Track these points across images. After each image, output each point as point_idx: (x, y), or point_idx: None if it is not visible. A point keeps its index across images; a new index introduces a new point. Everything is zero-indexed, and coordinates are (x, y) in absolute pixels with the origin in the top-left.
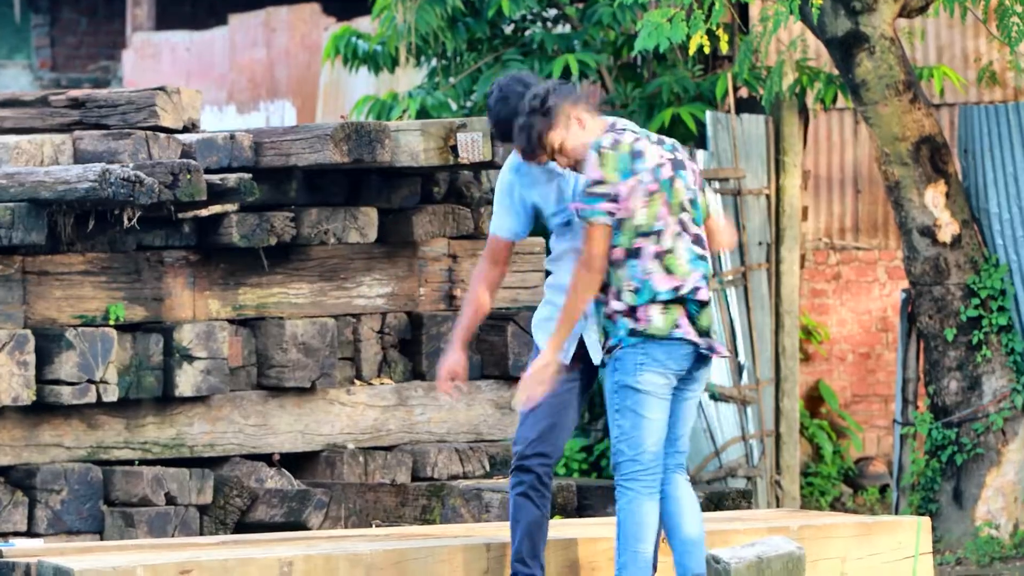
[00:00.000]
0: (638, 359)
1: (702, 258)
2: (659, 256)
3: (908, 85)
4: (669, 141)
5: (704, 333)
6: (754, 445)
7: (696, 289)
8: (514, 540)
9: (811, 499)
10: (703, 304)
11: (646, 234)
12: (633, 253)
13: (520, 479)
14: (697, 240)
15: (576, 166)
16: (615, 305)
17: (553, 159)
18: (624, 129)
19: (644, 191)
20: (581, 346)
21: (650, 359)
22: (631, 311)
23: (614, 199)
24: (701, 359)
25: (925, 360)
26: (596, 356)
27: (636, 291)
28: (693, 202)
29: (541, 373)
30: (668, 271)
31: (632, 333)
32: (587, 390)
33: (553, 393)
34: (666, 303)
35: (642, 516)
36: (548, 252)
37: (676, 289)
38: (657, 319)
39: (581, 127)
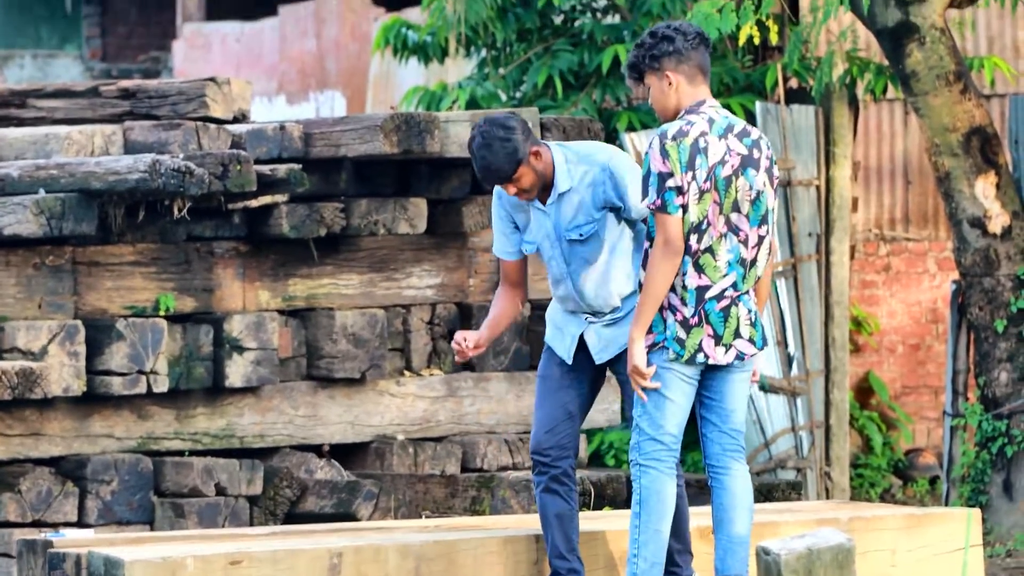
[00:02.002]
0: (667, 356)
1: (743, 262)
2: (694, 253)
3: (958, 76)
4: (754, 136)
5: (729, 342)
6: (804, 436)
7: (721, 296)
8: (548, 538)
9: (861, 491)
10: (725, 311)
11: (691, 231)
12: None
13: (541, 476)
14: (745, 241)
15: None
16: (670, 298)
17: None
18: (695, 119)
19: (697, 188)
20: (582, 346)
21: (674, 370)
22: (684, 322)
23: (681, 192)
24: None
25: (975, 351)
26: (598, 356)
27: (682, 285)
28: (755, 202)
29: (637, 369)
30: (698, 270)
31: (680, 344)
32: (596, 384)
33: (559, 387)
34: (688, 324)
35: (665, 495)
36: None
37: (702, 289)
38: (678, 341)
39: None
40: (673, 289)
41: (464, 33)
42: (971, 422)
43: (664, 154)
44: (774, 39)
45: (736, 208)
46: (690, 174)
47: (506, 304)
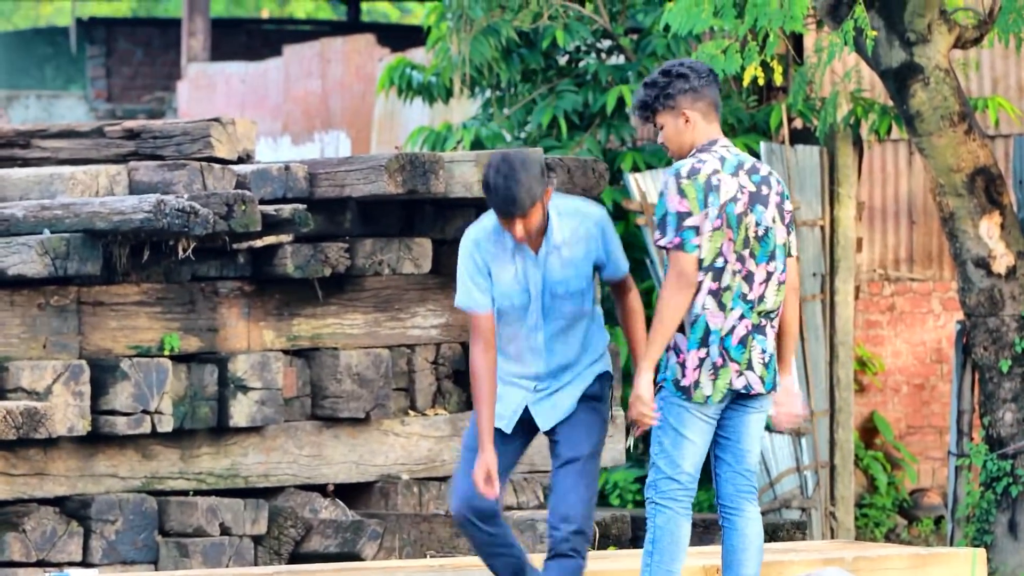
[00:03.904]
0: (681, 403)
1: (744, 297)
2: (715, 293)
3: (963, 116)
4: (762, 173)
5: (742, 371)
6: (808, 476)
7: (733, 330)
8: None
9: (866, 530)
10: (742, 342)
11: (705, 269)
12: None
13: (476, 539)
14: (748, 278)
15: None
16: (676, 338)
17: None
18: (707, 157)
19: (709, 227)
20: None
21: (692, 411)
22: (682, 364)
23: (698, 231)
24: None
25: (980, 391)
26: (544, 424)
27: (691, 325)
28: (762, 239)
29: (643, 400)
30: (721, 307)
31: (676, 386)
32: (525, 447)
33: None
34: (715, 367)
35: (680, 536)
36: None
37: (731, 330)
38: (706, 386)
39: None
40: (681, 329)
41: (469, 74)
42: (976, 462)
43: (681, 193)
44: (778, 80)
45: (746, 245)
46: (704, 212)
47: (494, 374)
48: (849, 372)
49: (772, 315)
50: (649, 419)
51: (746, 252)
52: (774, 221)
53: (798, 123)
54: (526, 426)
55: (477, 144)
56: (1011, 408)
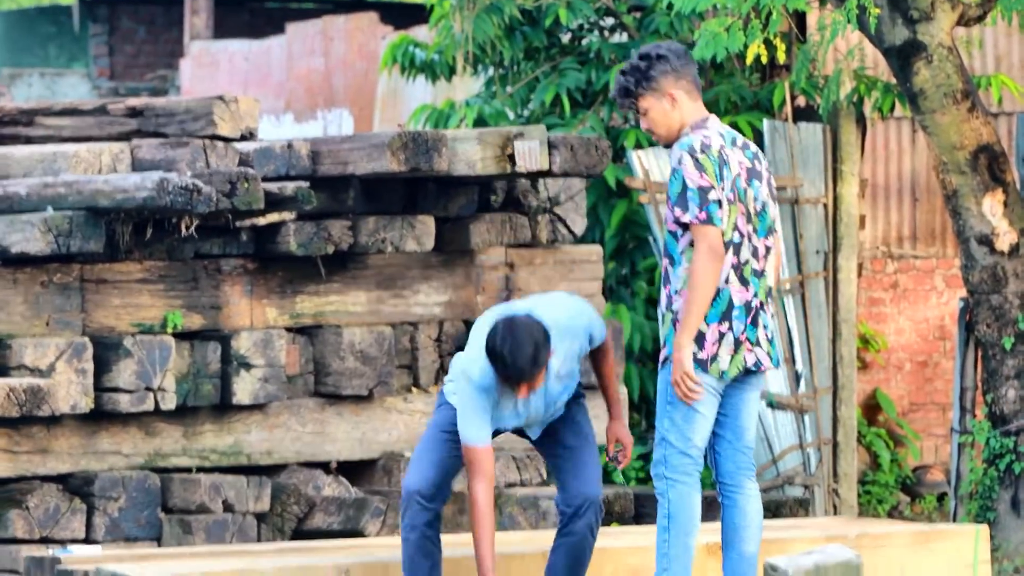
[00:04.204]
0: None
1: (756, 273)
2: (736, 268)
3: (966, 94)
4: (752, 148)
5: (754, 347)
6: (811, 453)
7: (748, 306)
8: None
9: (869, 507)
10: (755, 321)
11: (726, 244)
12: None
13: (417, 518)
14: (755, 253)
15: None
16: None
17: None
18: (709, 133)
19: (725, 200)
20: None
21: (705, 384)
22: (698, 336)
23: (721, 204)
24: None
25: (983, 369)
26: (534, 435)
27: (714, 298)
28: (760, 214)
29: (689, 376)
30: (743, 283)
31: (692, 358)
32: None
33: (453, 441)
34: (737, 342)
35: (695, 509)
36: (609, 258)
37: (747, 304)
38: (724, 359)
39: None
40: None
41: (472, 51)
42: (979, 439)
43: (700, 167)
44: (781, 57)
45: (749, 220)
46: (721, 186)
47: (492, 510)
48: (852, 349)
49: (771, 290)
50: (696, 394)
51: (749, 227)
52: (768, 196)
53: (801, 101)
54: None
55: (480, 122)
56: (1014, 385)
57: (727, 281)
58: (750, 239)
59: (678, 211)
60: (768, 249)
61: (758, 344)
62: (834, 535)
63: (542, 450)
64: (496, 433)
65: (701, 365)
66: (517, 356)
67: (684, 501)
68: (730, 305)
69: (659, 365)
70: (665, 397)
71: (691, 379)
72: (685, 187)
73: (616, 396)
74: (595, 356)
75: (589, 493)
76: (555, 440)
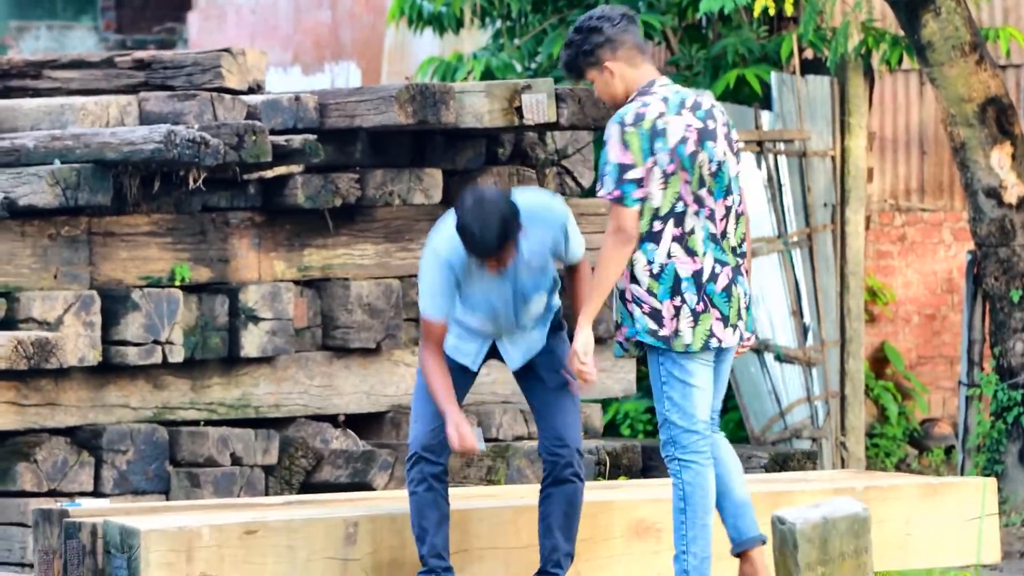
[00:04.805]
0: (671, 358)
1: (713, 237)
2: (679, 239)
3: (974, 46)
4: (705, 107)
5: (736, 323)
6: (819, 406)
7: (715, 276)
8: (424, 535)
9: (876, 460)
10: (726, 290)
11: (664, 217)
12: (651, 236)
13: (423, 473)
14: (711, 216)
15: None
16: (634, 291)
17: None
18: (650, 100)
19: (661, 173)
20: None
21: (679, 362)
22: (654, 313)
23: (641, 183)
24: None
25: (991, 321)
26: (512, 362)
27: (656, 276)
28: (716, 174)
29: (581, 356)
30: (690, 253)
31: (655, 336)
32: (471, 385)
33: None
34: (695, 314)
35: (709, 488)
36: None
37: (698, 273)
38: (686, 334)
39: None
40: (634, 281)
41: (479, 4)
42: (986, 392)
43: (624, 144)
44: (789, 10)
45: (702, 184)
46: (651, 160)
47: (445, 368)
48: (860, 302)
49: (740, 250)
50: (588, 375)
51: (703, 191)
52: (725, 155)
53: (809, 53)
54: (493, 352)
55: (488, 75)
56: (1021, 338)
57: (669, 255)
58: (702, 204)
59: (598, 185)
60: (728, 209)
61: (740, 317)
62: (842, 488)
63: (525, 393)
64: (487, 357)
65: (665, 342)
66: (484, 227)
67: (698, 481)
68: (676, 279)
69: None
70: (659, 379)
71: (582, 362)
72: (607, 161)
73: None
74: (571, 278)
75: (568, 438)
76: (535, 383)
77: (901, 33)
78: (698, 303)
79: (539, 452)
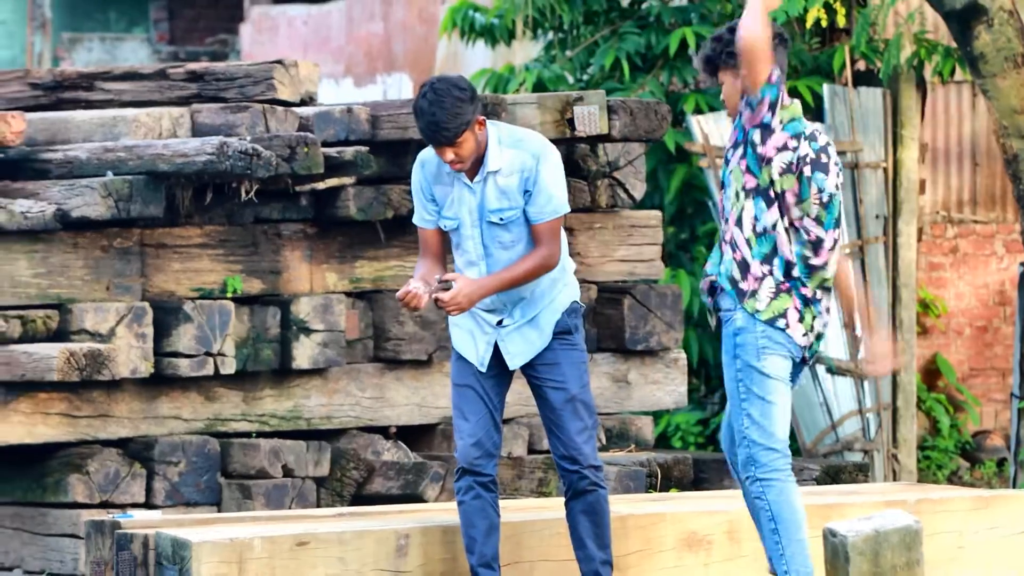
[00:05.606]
0: (759, 342)
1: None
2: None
3: None
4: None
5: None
6: (871, 419)
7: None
8: (474, 545)
9: (928, 473)
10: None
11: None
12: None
13: (471, 485)
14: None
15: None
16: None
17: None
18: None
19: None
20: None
21: (759, 380)
22: (743, 263)
23: None
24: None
25: None
26: (512, 362)
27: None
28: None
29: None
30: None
31: (734, 286)
32: (508, 384)
33: (481, 396)
34: (779, 290)
35: (796, 503)
36: (669, 223)
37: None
38: (763, 300)
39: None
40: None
41: (531, 16)
42: None
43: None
44: (841, 21)
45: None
46: None
47: (428, 266)
48: (912, 314)
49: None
50: (444, 302)
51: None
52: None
53: (861, 65)
54: (503, 363)
55: (539, 86)
56: None
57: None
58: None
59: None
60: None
61: (808, 326)
62: (893, 500)
63: (537, 406)
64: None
65: (739, 297)
66: (436, 107)
67: (783, 499)
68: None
69: (723, 354)
70: (737, 395)
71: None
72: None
73: (500, 274)
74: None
75: (578, 455)
76: (540, 401)
77: (953, 45)
78: (783, 282)
79: (555, 462)
